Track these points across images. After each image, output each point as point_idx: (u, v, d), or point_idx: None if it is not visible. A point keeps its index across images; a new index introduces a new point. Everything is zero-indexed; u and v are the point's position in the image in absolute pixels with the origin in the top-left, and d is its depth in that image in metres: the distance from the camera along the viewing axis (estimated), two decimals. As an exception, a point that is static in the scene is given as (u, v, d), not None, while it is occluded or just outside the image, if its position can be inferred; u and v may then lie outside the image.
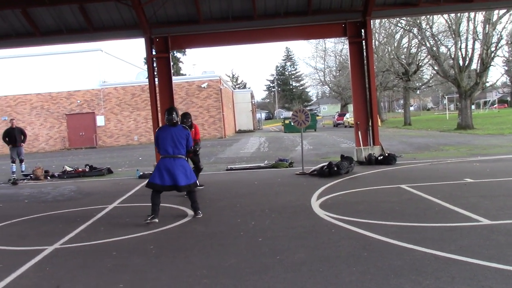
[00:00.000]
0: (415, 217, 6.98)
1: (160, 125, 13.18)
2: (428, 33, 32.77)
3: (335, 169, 11.92)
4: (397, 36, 43.43)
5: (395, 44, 43.65)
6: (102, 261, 5.77)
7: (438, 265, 4.84)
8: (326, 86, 73.71)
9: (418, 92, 58.81)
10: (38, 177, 15.32)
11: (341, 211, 7.61)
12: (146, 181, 8.19)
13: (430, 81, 49.09)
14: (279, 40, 17.20)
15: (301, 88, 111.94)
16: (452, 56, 31.08)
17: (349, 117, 45.16)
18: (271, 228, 6.89)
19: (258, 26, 15.04)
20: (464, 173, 10.91)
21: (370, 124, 14.76)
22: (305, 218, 7.44)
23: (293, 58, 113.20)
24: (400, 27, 39.11)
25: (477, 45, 30.27)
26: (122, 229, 7.36)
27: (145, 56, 15.20)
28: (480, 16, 29.11)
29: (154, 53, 15.11)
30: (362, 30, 14.76)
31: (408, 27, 36.42)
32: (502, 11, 27.24)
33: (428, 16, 30.46)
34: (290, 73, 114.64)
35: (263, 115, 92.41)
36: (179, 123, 7.99)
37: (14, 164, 16.06)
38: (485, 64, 29.52)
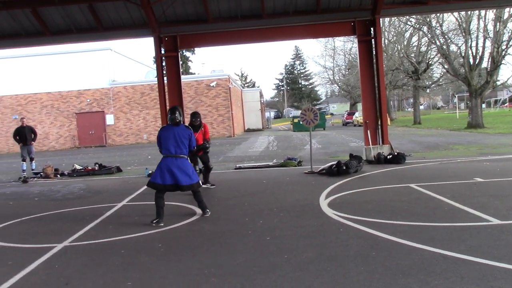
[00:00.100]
0: (424, 217, 6.94)
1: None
2: (438, 32, 32.58)
3: (344, 168, 11.89)
4: (407, 35, 43.20)
5: (405, 43, 43.43)
6: (110, 259, 5.80)
7: (447, 265, 4.81)
8: (335, 85, 73.55)
9: (428, 90, 58.51)
10: (48, 175, 15.42)
11: (349, 210, 7.58)
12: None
13: (440, 80, 48.80)
14: (288, 39, 17.18)
15: (310, 87, 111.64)
16: (463, 55, 30.88)
17: (358, 116, 45.04)
18: (279, 227, 6.88)
19: (267, 25, 15.02)
20: (474, 173, 10.84)
21: (379, 123, 14.70)
22: (314, 217, 7.42)
23: (302, 57, 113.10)
24: (409, 25, 38.92)
25: (488, 43, 30.12)
26: (131, 228, 7.39)
27: (154, 55, 15.25)
28: (490, 14, 28.94)
29: (163, 52, 15.14)
30: (371, 29, 14.70)
31: (417, 26, 36.22)
32: (513, 9, 27.02)
33: (438, 14, 30.29)
34: (299, 71, 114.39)
35: (272, 114, 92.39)
36: (182, 122, 7.94)
37: (24, 163, 16.17)
38: (495, 63, 29.30)
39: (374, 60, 14.73)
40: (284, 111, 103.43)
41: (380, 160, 13.87)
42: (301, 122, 14.28)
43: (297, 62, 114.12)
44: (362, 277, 4.62)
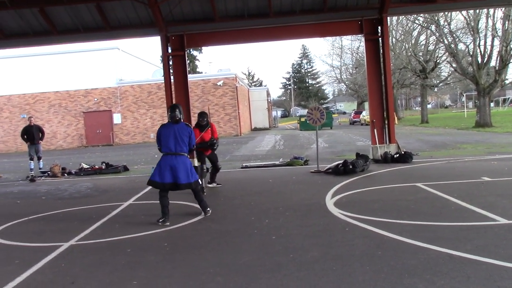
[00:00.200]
0: (431, 216, 6.90)
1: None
2: (446, 30, 32.41)
3: (350, 167, 11.86)
4: (415, 33, 42.98)
5: (413, 41, 43.22)
6: (116, 258, 5.82)
7: (453, 264, 4.78)
8: (343, 84, 73.25)
9: (435, 89, 58.27)
10: (55, 174, 15.49)
11: (355, 210, 7.56)
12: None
13: (448, 79, 48.54)
14: (295, 37, 17.17)
15: (317, 85, 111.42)
16: (471, 53, 30.67)
17: (365, 115, 44.89)
18: (285, 226, 6.88)
19: (274, 23, 15.01)
20: (481, 172, 10.77)
21: (386, 122, 14.65)
22: (319, 216, 7.41)
23: (309, 56, 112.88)
24: (417, 24, 38.72)
25: (496, 41, 29.91)
26: (137, 227, 7.41)
27: (161, 54, 15.28)
28: (499, 12, 28.69)
29: (170, 51, 15.17)
30: (379, 27, 14.65)
31: (425, 24, 36.04)
32: (522, 7, 26.78)
33: (446, 13, 30.10)
34: (306, 70, 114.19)
35: (279, 113, 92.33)
36: (182, 120, 7.90)
37: (32, 161, 16.26)
38: (504, 61, 29.10)
39: (381, 59, 14.67)
40: (291, 110, 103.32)
41: (387, 159, 13.82)
42: (307, 121, 14.25)
43: (305, 61, 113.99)
44: (368, 277, 4.60)
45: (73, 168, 16.51)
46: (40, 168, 16.46)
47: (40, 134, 16.76)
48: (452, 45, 32.21)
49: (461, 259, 4.94)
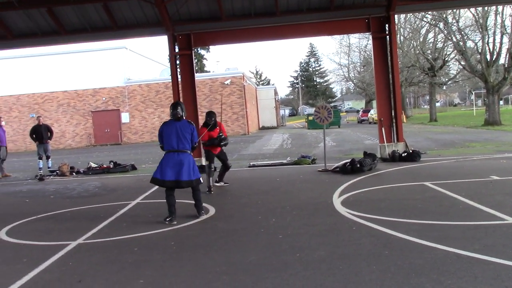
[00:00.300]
0: (438, 215, 6.87)
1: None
2: (454, 28, 32.18)
3: (358, 166, 11.82)
4: (423, 31, 42.74)
5: (421, 39, 42.98)
6: (123, 257, 5.84)
7: (461, 264, 4.76)
8: (350, 82, 73.01)
9: (444, 87, 57.91)
10: (64, 173, 15.58)
11: (363, 209, 7.54)
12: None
13: (457, 77, 48.24)
14: (302, 36, 17.15)
15: (325, 84, 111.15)
16: (479, 51, 30.45)
17: (373, 114, 44.71)
18: (292, 225, 6.87)
19: (281, 22, 15.00)
20: (490, 171, 10.70)
21: (394, 120, 14.59)
22: (326, 215, 7.39)
23: (317, 54, 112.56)
24: (425, 21, 38.47)
25: (505, 39, 29.66)
26: (144, 225, 7.44)
27: (168, 53, 15.31)
28: (508, 9, 28.49)
29: (177, 50, 15.21)
30: (386, 25, 14.57)
31: (434, 22, 35.82)
32: (531, 4, 26.54)
33: (454, 10, 29.90)
34: (314, 69, 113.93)
35: (287, 112, 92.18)
36: (184, 118, 7.86)
37: (41, 161, 16.37)
38: (513, 59, 28.86)
39: (389, 57, 14.61)
40: (299, 108, 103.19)
41: (394, 158, 13.76)
42: (315, 120, 14.22)
43: (312, 60, 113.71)
44: (375, 276, 4.59)
45: (81, 167, 16.60)
46: (48, 167, 16.58)
47: (49, 134, 16.89)
48: (461, 43, 31.99)
49: (469, 258, 4.91)
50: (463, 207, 7.36)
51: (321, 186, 10.21)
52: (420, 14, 35.45)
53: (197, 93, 15.66)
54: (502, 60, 30.55)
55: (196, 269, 5.22)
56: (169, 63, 15.85)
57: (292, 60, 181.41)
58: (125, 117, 38.34)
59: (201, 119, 13.40)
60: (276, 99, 60.78)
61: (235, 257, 5.53)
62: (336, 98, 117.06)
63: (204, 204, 8.58)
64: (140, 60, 42.04)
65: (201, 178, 7.85)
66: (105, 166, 16.22)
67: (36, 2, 14.28)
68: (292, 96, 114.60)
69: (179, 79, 15.37)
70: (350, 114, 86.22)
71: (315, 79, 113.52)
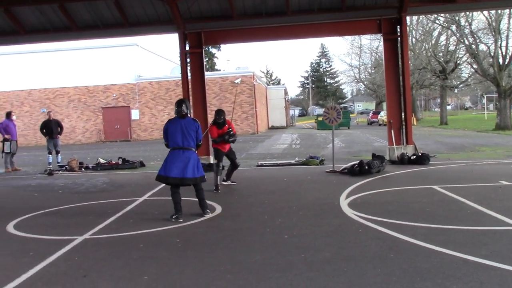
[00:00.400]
0: (446, 219, 6.82)
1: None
2: (467, 31, 31.95)
3: (366, 168, 11.78)
4: (435, 33, 42.46)
5: (433, 42, 42.70)
6: (129, 253, 5.86)
7: (467, 269, 4.72)
8: (361, 84, 72.79)
9: (455, 91, 57.48)
10: (73, 168, 15.67)
11: (369, 211, 7.50)
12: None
13: (469, 80, 47.85)
14: (313, 36, 17.15)
15: (335, 85, 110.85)
16: (492, 54, 30.21)
17: (383, 115, 44.49)
18: (298, 226, 6.86)
19: (292, 22, 14.96)
20: (500, 175, 10.59)
21: (403, 122, 14.50)
22: (333, 216, 7.37)
23: (328, 55, 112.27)
24: (438, 24, 38.23)
25: (518, 43, 29.38)
26: (150, 222, 7.46)
27: (179, 51, 15.34)
28: (522, 13, 28.21)
29: (187, 48, 15.22)
30: (398, 27, 14.49)
31: (446, 24, 35.58)
32: (545, 8, 26.29)
33: (467, 13, 29.69)
34: (324, 69, 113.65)
35: (297, 112, 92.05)
36: (189, 115, 7.86)
37: (50, 155, 16.48)
38: (526, 63, 28.61)
39: (400, 59, 14.53)
40: (309, 109, 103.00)
41: (403, 160, 13.67)
42: (324, 121, 14.18)
43: (323, 60, 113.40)
44: (379, 279, 4.56)
45: (90, 163, 16.68)
46: (58, 162, 16.68)
47: (59, 129, 17.00)
48: (473, 46, 31.75)
49: (475, 264, 4.87)
50: (471, 211, 7.30)
51: (329, 187, 10.18)
52: (433, 17, 35.22)
53: (207, 91, 15.67)
54: (514, 64, 30.26)
55: (201, 267, 5.22)
56: (180, 61, 15.86)
57: (303, 60, 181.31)
58: (135, 114, 38.47)
59: (210, 118, 13.43)
60: (286, 99, 60.72)
61: (240, 256, 5.53)
62: (347, 99, 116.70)
63: (211, 203, 8.61)
64: (151, 58, 42.18)
65: (205, 176, 7.86)
66: (113, 162, 16.29)
67: (48, -3, 14.39)
68: (302, 96, 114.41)
69: (189, 77, 15.38)
70: (362, 115, 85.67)
71: (325, 79, 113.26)
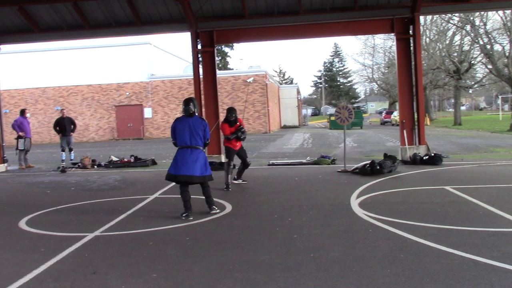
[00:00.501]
0: (457, 220, 6.75)
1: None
2: (481, 31, 31.60)
3: (378, 167, 11.71)
4: (449, 33, 42.03)
5: (447, 41, 42.29)
6: (138, 250, 5.89)
7: (477, 271, 4.67)
8: (374, 83, 72.32)
9: (470, 91, 56.84)
10: (85, 166, 15.79)
11: (380, 211, 7.46)
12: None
13: (483, 80, 47.32)
14: (325, 35, 17.06)
15: (348, 84, 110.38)
16: (507, 55, 29.86)
17: (396, 115, 44.18)
18: (308, 225, 6.84)
19: (304, 21, 14.93)
20: (513, 177, 10.48)
21: (416, 122, 14.40)
22: (343, 216, 7.34)
23: (341, 54, 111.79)
24: (452, 24, 37.85)
25: (534, 43, 29.00)
26: (161, 220, 7.49)
27: (191, 50, 15.38)
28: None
29: (199, 47, 15.25)
30: (411, 27, 14.39)
31: (460, 24, 35.23)
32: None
33: (481, 13, 29.38)
34: (337, 69, 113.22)
35: (309, 111, 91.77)
36: (196, 114, 7.89)
37: (63, 153, 16.63)
38: (541, 63, 28.23)
39: (413, 59, 14.42)
40: (321, 108, 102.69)
41: (415, 160, 13.57)
42: (336, 120, 14.13)
43: (336, 60, 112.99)
44: (388, 280, 4.53)
45: (103, 161, 16.79)
46: (71, 160, 16.82)
47: (72, 126, 17.14)
48: (488, 46, 31.40)
49: (486, 265, 4.81)
50: (483, 213, 7.22)
51: (340, 187, 10.14)
52: (447, 16, 34.89)
53: (219, 90, 15.70)
54: (530, 65, 29.87)
55: (209, 265, 5.23)
56: (192, 60, 15.90)
57: (316, 60, 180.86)
58: (147, 112, 38.66)
59: (222, 116, 13.44)
60: (299, 98, 60.57)
61: (248, 255, 5.53)
62: (360, 98, 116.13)
63: (221, 201, 8.64)
64: (164, 56, 42.33)
65: (212, 175, 7.89)
66: (126, 160, 16.38)
67: (62, -4, 14.50)
68: (315, 96, 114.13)
69: (201, 76, 15.41)
70: (378, 115, 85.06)
71: (338, 79, 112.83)
